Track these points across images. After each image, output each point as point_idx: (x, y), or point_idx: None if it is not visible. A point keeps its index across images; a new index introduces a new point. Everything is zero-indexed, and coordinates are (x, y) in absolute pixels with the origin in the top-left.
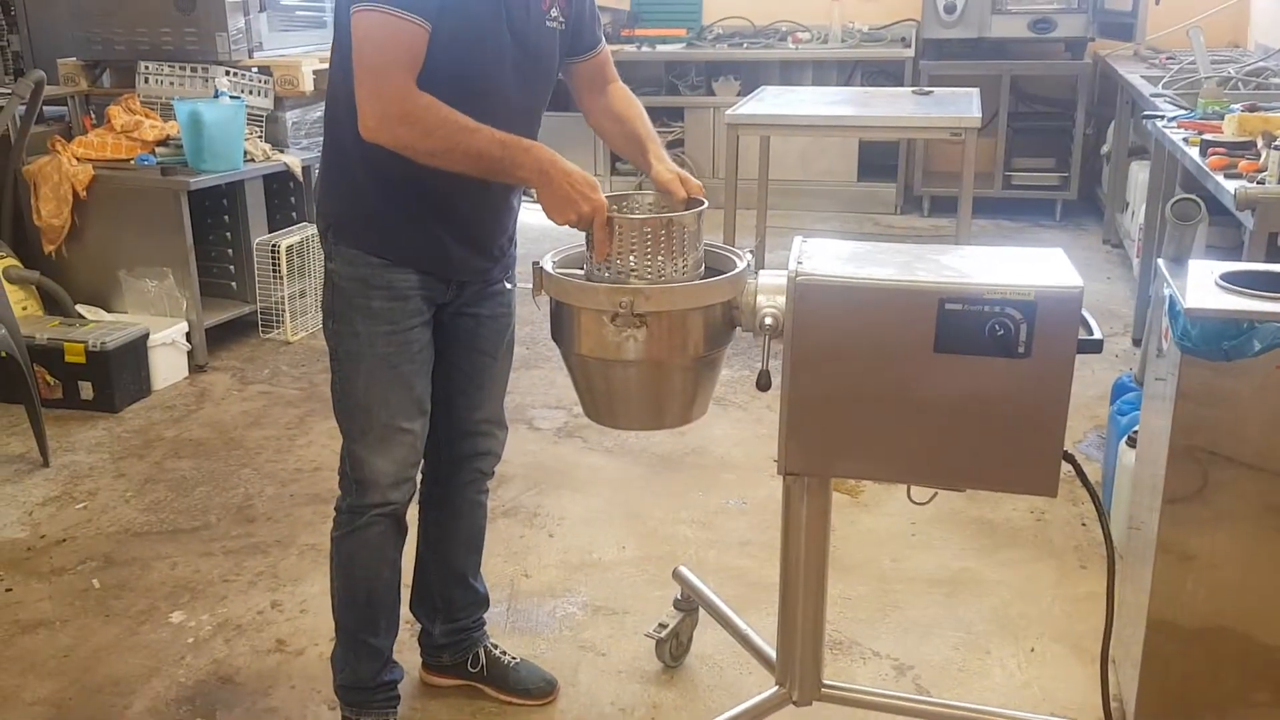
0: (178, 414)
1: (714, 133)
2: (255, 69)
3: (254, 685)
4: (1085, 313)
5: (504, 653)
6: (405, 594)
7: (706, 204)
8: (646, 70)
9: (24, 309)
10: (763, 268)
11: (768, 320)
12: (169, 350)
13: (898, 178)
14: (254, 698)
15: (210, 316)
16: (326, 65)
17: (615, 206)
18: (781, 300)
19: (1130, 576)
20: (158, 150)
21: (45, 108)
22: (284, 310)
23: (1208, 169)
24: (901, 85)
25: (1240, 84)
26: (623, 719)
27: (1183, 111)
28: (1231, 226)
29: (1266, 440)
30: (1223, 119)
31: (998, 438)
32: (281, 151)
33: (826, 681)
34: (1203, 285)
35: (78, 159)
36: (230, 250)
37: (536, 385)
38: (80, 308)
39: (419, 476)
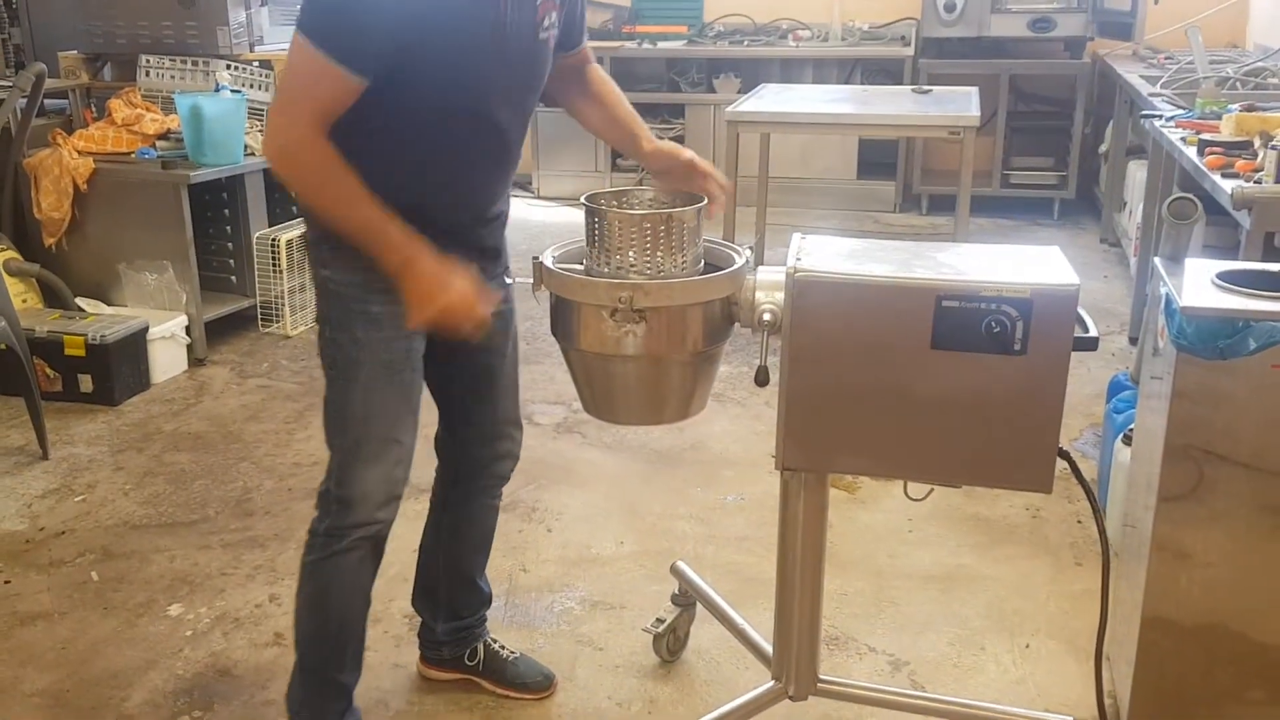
0: (177, 407)
1: (714, 130)
2: (256, 63)
3: (252, 678)
4: (1081, 310)
5: (503, 647)
6: (376, 613)
7: (705, 200)
8: (647, 67)
9: (24, 302)
10: (762, 264)
11: (766, 316)
12: (168, 344)
13: (897, 176)
14: (252, 690)
15: (210, 310)
16: None
17: (615, 202)
18: (780, 296)
19: (1125, 574)
20: (158, 144)
21: (46, 101)
22: (284, 304)
23: (1205, 168)
24: (901, 84)
25: (1238, 84)
26: (619, 713)
27: (1180, 111)
28: (1228, 226)
29: (1262, 439)
30: (1220, 119)
31: (994, 434)
32: None
33: (822, 676)
34: (1199, 284)
35: (78, 152)
36: (230, 244)
37: (536, 381)
38: (80, 301)
39: (414, 479)
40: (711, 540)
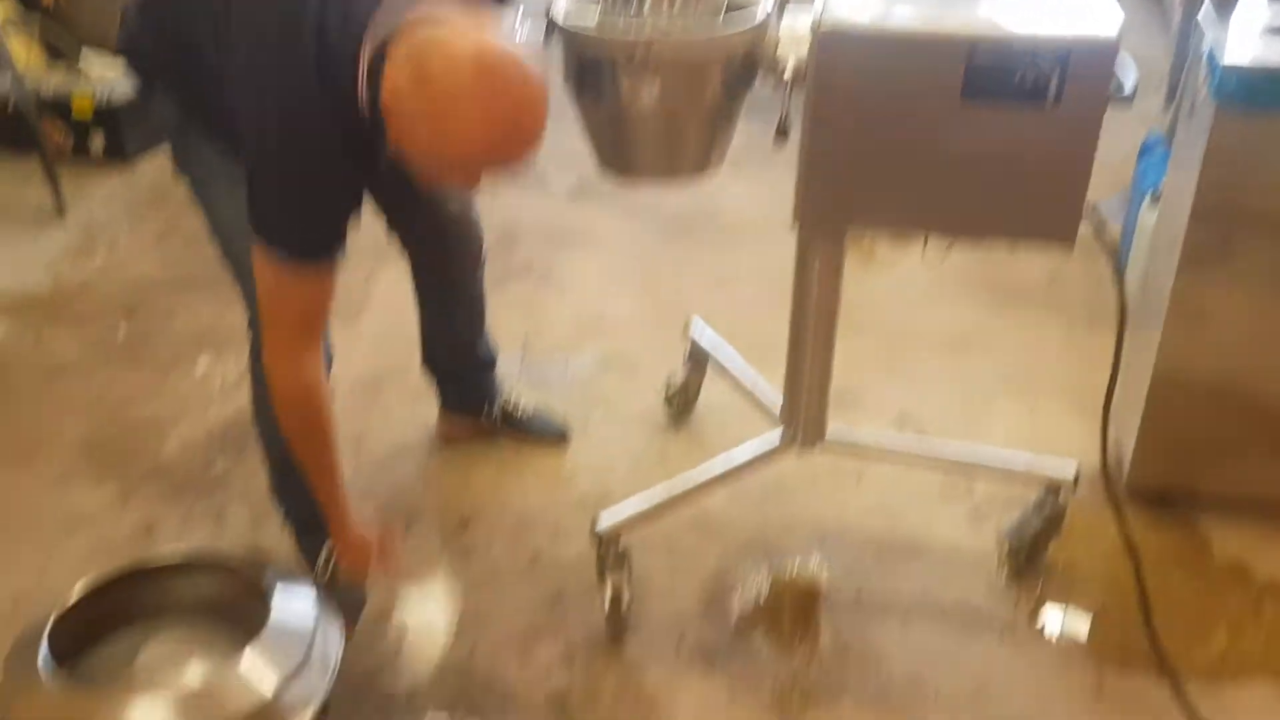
0: None
1: None
2: None
3: None
4: (1124, 59)
5: (517, 405)
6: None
7: None
8: None
9: (27, 60)
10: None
11: (789, 72)
12: None
13: None
14: None
15: None
16: None
17: None
18: (804, 49)
19: (1140, 335)
20: None
21: None
22: None
23: None
24: None
25: None
26: (632, 465)
27: None
28: None
29: None
30: None
31: (1023, 187)
32: None
33: (830, 428)
34: (1247, 35)
35: None
36: None
37: (548, 144)
38: (86, 51)
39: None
40: (725, 304)
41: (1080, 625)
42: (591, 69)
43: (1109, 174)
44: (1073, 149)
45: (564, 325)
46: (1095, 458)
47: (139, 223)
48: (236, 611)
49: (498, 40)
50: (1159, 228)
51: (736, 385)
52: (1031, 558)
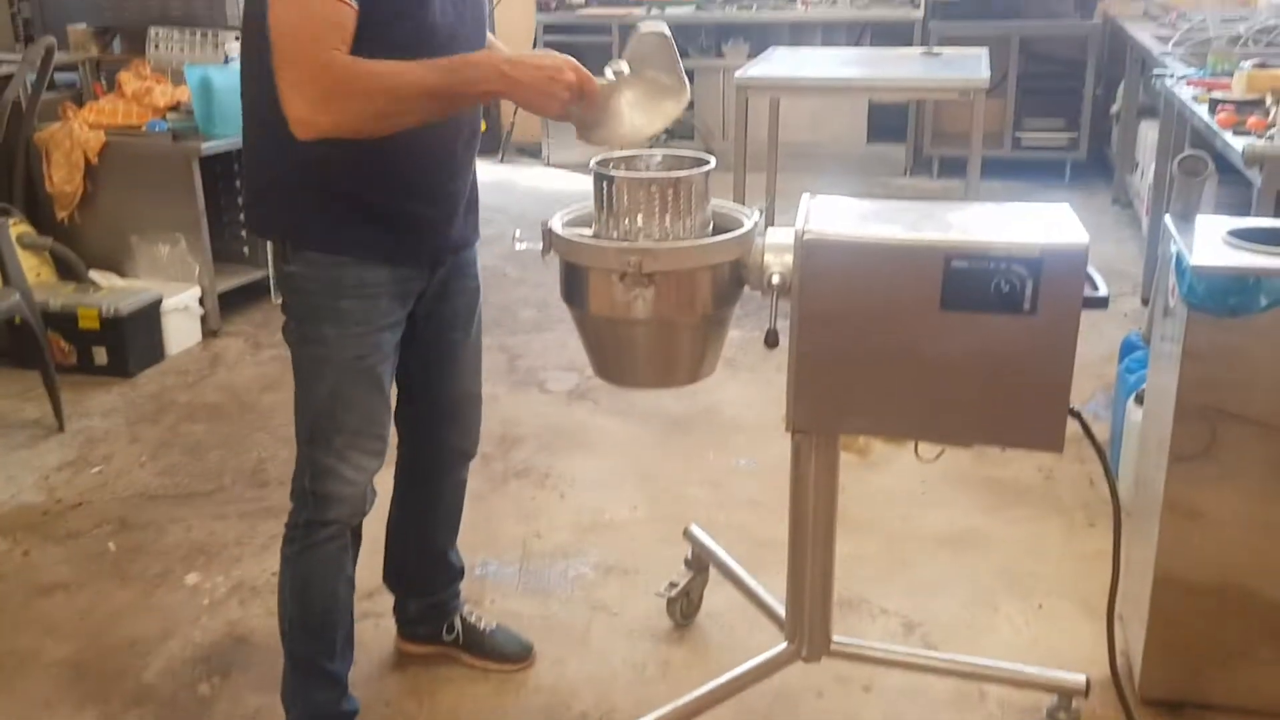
0: (191, 379)
1: (724, 95)
2: None
3: (268, 645)
4: (1091, 269)
5: (479, 619)
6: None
7: (713, 163)
8: None
9: (37, 275)
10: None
11: (775, 279)
12: (182, 315)
13: (907, 139)
14: (269, 657)
15: (223, 281)
16: None
17: (623, 166)
18: (789, 258)
19: (1138, 534)
20: (169, 116)
21: (56, 75)
22: None
23: (1216, 127)
24: (910, 46)
25: (1249, 42)
26: (634, 676)
27: (1192, 70)
28: (1240, 184)
29: (1274, 397)
30: (1232, 77)
31: (1005, 394)
32: None
33: (836, 638)
34: (1210, 241)
35: (89, 126)
36: (242, 215)
37: (549, 348)
38: (93, 274)
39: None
40: (724, 504)
41: None
42: (587, 279)
43: (1093, 370)
44: (1052, 356)
45: (564, 528)
46: (1104, 662)
47: (137, 436)
48: None
49: None
50: (1146, 427)
51: (739, 590)
52: None
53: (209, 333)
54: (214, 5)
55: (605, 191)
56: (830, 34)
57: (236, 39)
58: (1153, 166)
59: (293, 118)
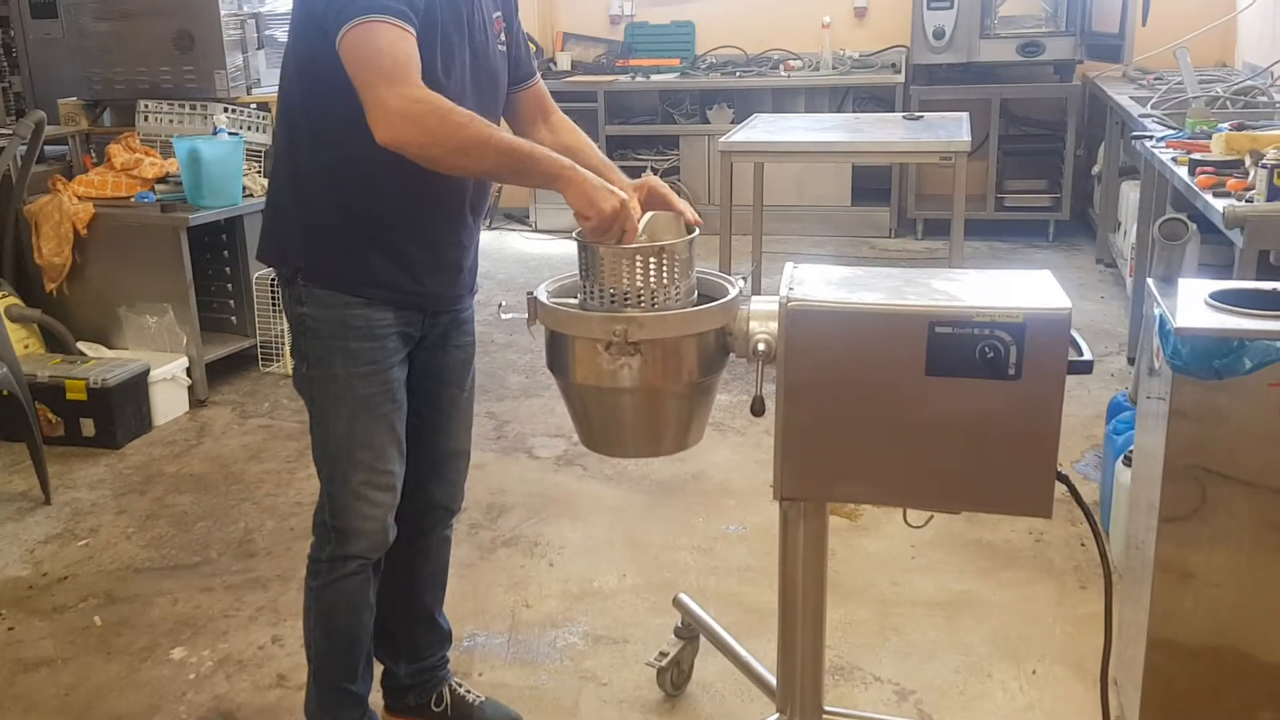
0: (178, 449)
1: (709, 160)
2: (253, 105)
3: None
4: (1075, 333)
5: (468, 691)
6: None
7: (698, 231)
8: (641, 100)
9: (25, 347)
10: (759, 293)
11: (761, 346)
12: (169, 385)
13: (891, 202)
14: None
15: (210, 351)
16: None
17: None
18: (774, 326)
19: (1130, 596)
20: (157, 187)
21: (46, 147)
22: (283, 344)
23: (1196, 188)
24: (893, 110)
25: (1228, 103)
26: None
27: (1171, 131)
28: (1222, 244)
29: (1262, 458)
30: (1210, 138)
31: (991, 460)
32: None
33: (828, 708)
34: (1193, 304)
35: (78, 197)
36: (230, 285)
37: (536, 414)
38: (81, 345)
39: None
40: (714, 571)
41: None
42: (573, 348)
43: (1082, 431)
44: (1038, 421)
45: (553, 596)
46: None
47: (124, 508)
48: None
49: None
50: (1135, 488)
51: (729, 659)
52: None
53: (196, 402)
54: (202, 78)
55: (590, 260)
56: (813, 99)
57: (225, 110)
58: (1135, 226)
59: (382, 127)
